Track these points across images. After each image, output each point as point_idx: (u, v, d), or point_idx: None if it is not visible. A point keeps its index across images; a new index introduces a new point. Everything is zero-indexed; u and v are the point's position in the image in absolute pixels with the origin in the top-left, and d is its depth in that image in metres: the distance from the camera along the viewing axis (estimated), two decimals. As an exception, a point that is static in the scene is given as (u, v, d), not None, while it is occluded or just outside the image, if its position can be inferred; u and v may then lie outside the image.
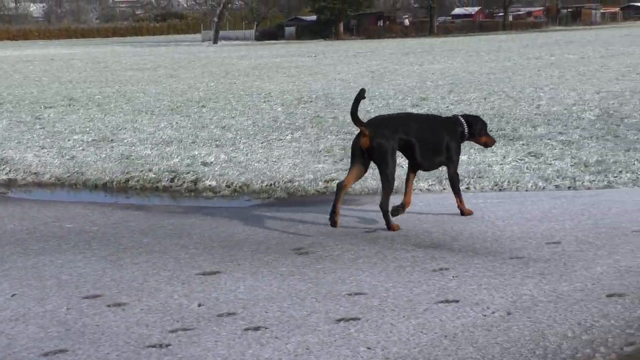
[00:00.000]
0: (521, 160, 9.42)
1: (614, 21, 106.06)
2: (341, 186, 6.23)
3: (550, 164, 9.05)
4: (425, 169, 6.61)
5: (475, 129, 6.64)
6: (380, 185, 6.27)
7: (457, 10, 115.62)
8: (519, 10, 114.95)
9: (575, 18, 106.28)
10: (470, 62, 31.54)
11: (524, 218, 6.45)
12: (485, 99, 16.78)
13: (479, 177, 8.42)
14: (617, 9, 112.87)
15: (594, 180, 8.09)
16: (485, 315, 4.28)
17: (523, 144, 10.48)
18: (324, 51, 47.57)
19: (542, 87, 18.77)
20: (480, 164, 9.17)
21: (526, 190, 7.89)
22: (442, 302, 4.52)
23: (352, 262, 5.40)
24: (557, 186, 7.96)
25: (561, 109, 14.19)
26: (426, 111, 14.72)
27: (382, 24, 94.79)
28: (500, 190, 7.98)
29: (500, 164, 9.16)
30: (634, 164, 8.79)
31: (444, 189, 8.04)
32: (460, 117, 6.67)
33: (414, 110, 14.84)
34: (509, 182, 8.17)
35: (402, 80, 23.02)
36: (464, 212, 6.61)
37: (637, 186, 7.82)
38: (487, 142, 6.85)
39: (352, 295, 4.69)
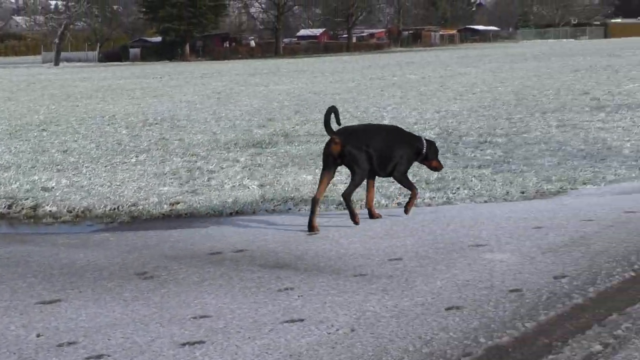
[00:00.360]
0: (365, 178, 9.59)
1: (452, 43, 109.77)
2: (315, 201, 6.79)
3: (393, 182, 9.26)
4: (380, 176, 7.14)
5: (431, 152, 7.16)
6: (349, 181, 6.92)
7: (302, 32, 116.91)
8: (363, 32, 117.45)
9: (416, 40, 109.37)
10: (316, 82, 31.97)
11: (366, 235, 6.57)
12: (330, 119, 17.02)
13: (324, 197, 8.50)
14: (454, 32, 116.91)
15: (434, 197, 8.33)
16: (329, 333, 4.32)
17: (366, 163, 10.68)
18: (169, 73, 47.17)
19: (385, 107, 19.23)
20: (325, 184, 9.28)
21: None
22: (287, 321, 4.54)
23: (197, 284, 5.36)
24: (399, 203, 8.15)
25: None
26: (272, 132, 14.82)
27: (228, 45, 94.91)
28: (343, 209, 8.08)
29: (345, 183, 9.27)
30: (471, 180, 9.11)
31: (290, 209, 8.09)
32: (424, 139, 7.26)
33: (260, 131, 14.91)
34: (353, 200, 8.29)
35: (249, 101, 23.09)
36: (409, 205, 7.16)
37: (474, 202, 8.10)
38: (437, 167, 7.44)
39: (197, 319, 4.65)
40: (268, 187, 9.26)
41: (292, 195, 8.67)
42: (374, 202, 7.48)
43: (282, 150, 12.36)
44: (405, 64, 46.53)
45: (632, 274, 5.19)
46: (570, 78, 27.28)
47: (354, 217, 6.86)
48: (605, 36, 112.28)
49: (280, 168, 10.61)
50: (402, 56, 64.85)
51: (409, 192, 7.24)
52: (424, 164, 7.45)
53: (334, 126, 6.91)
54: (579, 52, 54.89)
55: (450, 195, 8.43)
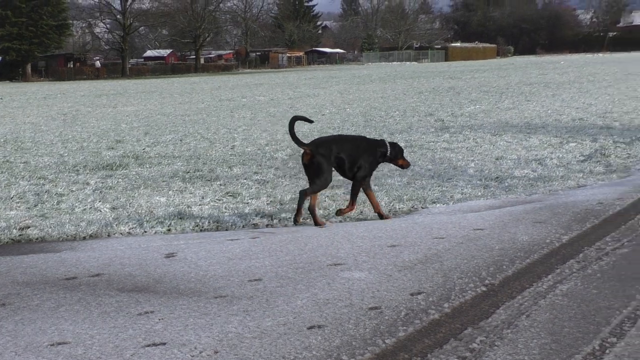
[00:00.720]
0: (219, 200, 9.58)
1: (299, 65, 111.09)
2: (303, 193, 7.68)
3: (247, 203, 9.29)
4: (348, 178, 7.90)
5: (395, 153, 7.97)
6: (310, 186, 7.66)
7: (149, 53, 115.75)
8: (210, 53, 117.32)
9: (264, 61, 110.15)
10: (165, 104, 31.68)
11: (225, 257, 6.56)
12: (181, 140, 16.92)
13: (180, 219, 8.45)
14: (302, 53, 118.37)
15: (290, 218, 8.40)
16: (193, 356, 4.29)
17: (221, 184, 10.68)
18: (10, 93, 45.66)
19: (236, 129, 19.26)
20: (180, 205, 9.22)
21: (226, 230, 8.03)
22: (149, 345, 4.47)
23: (52, 311, 5.21)
24: (255, 225, 8.18)
25: (255, 149, 14.64)
26: (122, 153, 14.59)
27: (72, 66, 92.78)
28: (201, 230, 8.06)
29: (200, 205, 9.26)
30: (325, 201, 9.24)
31: (145, 231, 7.99)
32: (387, 142, 8.00)
33: (110, 153, 14.64)
34: (209, 222, 8.28)
35: (96, 122, 22.65)
36: (341, 213, 8.00)
37: (329, 221, 8.22)
38: (403, 165, 8.21)
39: (55, 346, 4.52)
40: (121, 209, 9.12)
41: (147, 217, 8.55)
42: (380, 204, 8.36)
43: (134, 172, 12.18)
44: (254, 86, 46.74)
45: (484, 288, 5.39)
46: (415, 100, 28.10)
47: (297, 217, 7.81)
48: (446, 59, 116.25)
49: (132, 190, 10.45)
50: (250, 78, 65.10)
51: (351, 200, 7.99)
52: (392, 164, 8.22)
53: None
54: (422, 74, 56.61)
55: (307, 215, 8.53)
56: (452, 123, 18.44)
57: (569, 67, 59.76)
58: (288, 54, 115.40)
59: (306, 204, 7.82)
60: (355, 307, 5.05)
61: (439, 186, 10.09)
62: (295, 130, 7.65)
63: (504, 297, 5.19)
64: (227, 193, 9.99)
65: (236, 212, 8.77)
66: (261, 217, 8.47)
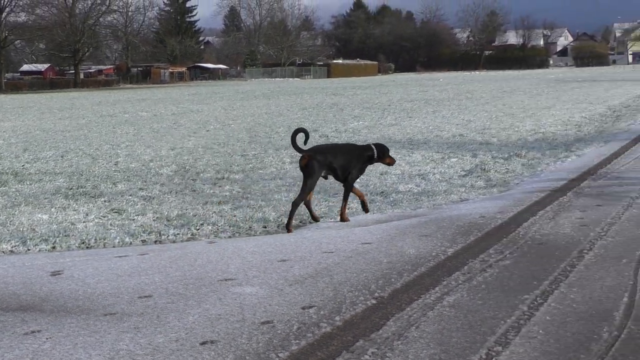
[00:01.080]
0: (104, 217, 9.42)
1: (182, 80, 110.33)
2: (295, 204, 8.46)
3: (133, 220, 9.17)
4: (340, 181, 8.80)
5: (380, 154, 8.91)
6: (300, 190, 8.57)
7: (25, 67, 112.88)
8: (90, 68, 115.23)
9: (146, 77, 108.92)
10: (44, 119, 30.97)
11: (114, 274, 6.47)
12: (62, 156, 16.58)
13: (65, 236, 8.28)
14: (184, 69, 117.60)
15: (178, 234, 8.34)
16: (84, 375, 4.22)
17: (105, 201, 10.50)
18: None
19: (119, 144, 18.99)
20: (63, 222, 9.03)
21: (113, 247, 7.91)
22: (37, 366, 4.37)
23: None
24: (143, 241, 8.08)
25: (139, 166, 14.46)
26: (0, 170, 14.19)
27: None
28: (87, 247, 7.92)
29: (84, 222, 9.09)
30: (212, 216, 9.21)
31: (29, 249, 7.79)
32: (372, 145, 9.02)
33: None
34: (95, 239, 8.13)
35: (-28, 138, 21.94)
36: (343, 218, 8.80)
37: (218, 237, 8.20)
38: (390, 163, 9.13)
39: (-62, 369, 4.37)
40: (1, 227, 8.86)
41: (30, 235, 8.34)
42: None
43: (13, 190, 11.86)
44: (137, 101, 46.16)
45: (374, 301, 5.48)
46: (299, 116, 28.30)
47: (288, 226, 8.37)
48: (328, 75, 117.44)
49: (12, 208, 10.17)
50: (132, 93, 64.26)
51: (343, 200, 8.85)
52: (380, 163, 9.12)
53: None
54: (305, 90, 57.02)
55: (194, 231, 8.49)
56: (337, 139, 18.64)
57: (448, 84, 61.28)
58: (170, 70, 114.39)
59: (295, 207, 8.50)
60: (247, 322, 5.06)
61: (326, 201, 10.19)
62: (296, 140, 8.59)
63: (394, 309, 5.29)
64: (112, 210, 9.83)
65: (123, 228, 8.65)
66: (149, 233, 8.38)
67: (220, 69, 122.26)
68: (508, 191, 10.23)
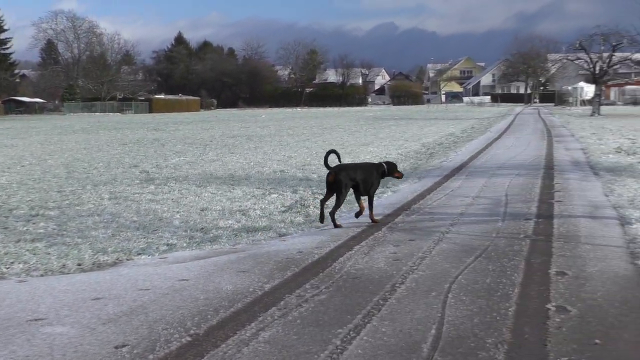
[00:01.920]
0: None
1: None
2: (322, 201, 10.37)
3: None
4: (362, 193, 10.47)
5: (390, 169, 10.76)
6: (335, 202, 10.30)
7: None
8: None
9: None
10: None
11: None
12: None
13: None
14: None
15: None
16: None
17: None
18: None
19: None
20: None
21: None
22: None
23: None
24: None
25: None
26: None
27: None
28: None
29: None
30: (25, 254, 8.90)
31: None
32: (383, 162, 10.79)
33: None
34: None
35: None
36: (373, 220, 10.52)
37: (29, 275, 7.92)
38: (399, 176, 11.03)
39: None
40: None
41: None
42: None
43: None
44: (-54, 135, 44.05)
45: (189, 338, 5.44)
46: (119, 151, 27.81)
47: (335, 225, 10.34)
48: (150, 111, 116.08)
49: None
50: (-59, 126, 61.25)
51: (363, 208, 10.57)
52: (390, 176, 10.83)
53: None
54: (126, 125, 56.16)
55: (5, 269, 8.16)
56: (157, 175, 18.44)
57: (270, 120, 61.92)
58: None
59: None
60: (56, 364, 4.91)
61: (144, 238, 10.04)
62: (327, 160, 10.38)
63: (209, 346, 5.27)
64: None
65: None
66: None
67: (37, 102, 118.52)
68: (326, 227, 10.41)
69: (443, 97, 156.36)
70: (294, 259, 8.20)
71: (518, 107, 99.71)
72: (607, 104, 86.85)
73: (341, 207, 10.88)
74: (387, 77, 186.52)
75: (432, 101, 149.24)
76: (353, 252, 8.61)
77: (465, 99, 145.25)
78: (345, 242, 9.19)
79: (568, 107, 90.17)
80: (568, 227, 9.87)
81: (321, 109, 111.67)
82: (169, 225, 10.98)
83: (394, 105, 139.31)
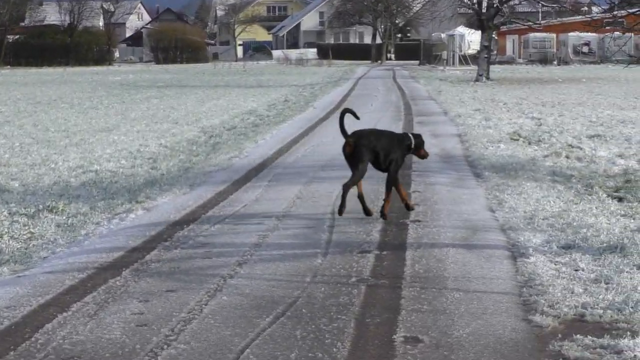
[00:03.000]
0: None
1: None
2: (346, 185, 8.66)
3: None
4: (381, 170, 8.93)
5: (418, 144, 9.05)
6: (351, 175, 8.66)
7: None
8: None
9: None
10: None
11: None
12: None
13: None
14: None
15: None
16: None
17: None
18: None
19: None
20: None
21: None
22: None
23: None
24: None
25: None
26: None
27: None
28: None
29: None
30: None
31: None
32: (409, 134, 9.37)
33: None
34: None
35: None
36: (384, 214, 8.61)
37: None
38: (424, 155, 9.25)
39: None
40: None
41: None
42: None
43: None
44: None
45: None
46: None
47: (341, 208, 8.51)
48: None
49: None
50: None
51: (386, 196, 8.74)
52: (414, 154, 9.22)
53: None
54: None
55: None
56: None
57: None
58: None
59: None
60: None
61: None
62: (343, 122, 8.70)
63: None
64: None
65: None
66: None
67: None
68: (28, 271, 6.78)
69: (240, 51, 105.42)
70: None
71: (362, 67, 67.24)
72: (501, 62, 64.26)
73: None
74: (148, 18, 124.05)
75: (223, 57, 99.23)
76: (71, 313, 5.71)
77: (276, 52, 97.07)
78: (58, 297, 5.95)
79: (440, 67, 61.79)
80: (428, 263, 6.94)
81: (34, 70, 73.39)
82: None
83: (157, 63, 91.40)
